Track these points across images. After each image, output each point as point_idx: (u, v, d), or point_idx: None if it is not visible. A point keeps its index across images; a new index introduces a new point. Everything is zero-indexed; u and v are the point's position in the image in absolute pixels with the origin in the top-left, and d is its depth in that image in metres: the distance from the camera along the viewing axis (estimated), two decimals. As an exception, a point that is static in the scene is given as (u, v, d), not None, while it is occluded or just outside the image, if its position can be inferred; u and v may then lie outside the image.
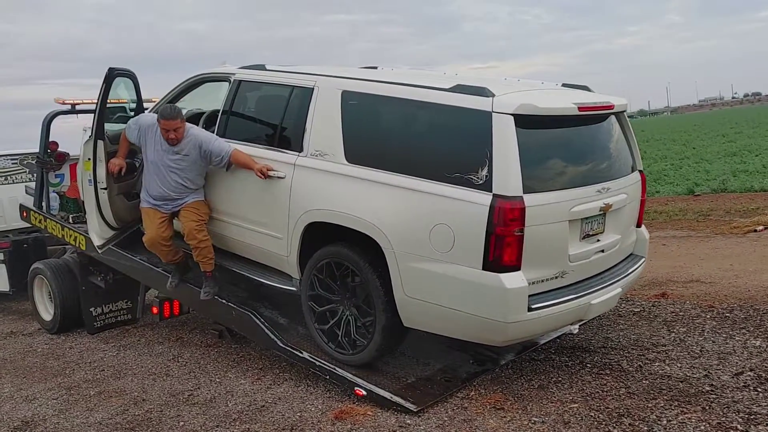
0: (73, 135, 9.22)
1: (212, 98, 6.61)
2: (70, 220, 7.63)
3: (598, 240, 4.59)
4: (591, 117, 4.59)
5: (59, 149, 8.04)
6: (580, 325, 5.47)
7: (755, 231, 10.25)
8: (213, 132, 5.77)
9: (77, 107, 7.99)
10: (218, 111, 6.12)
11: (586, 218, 4.42)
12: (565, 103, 4.32)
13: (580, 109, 4.31)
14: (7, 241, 9.06)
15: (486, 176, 3.99)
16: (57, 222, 7.46)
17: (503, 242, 3.97)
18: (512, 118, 3.99)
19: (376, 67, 5.96)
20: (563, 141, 4.46)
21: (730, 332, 5.40)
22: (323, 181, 4.76)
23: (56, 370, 6.42)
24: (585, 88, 5.03)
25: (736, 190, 14.80)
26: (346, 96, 4.80)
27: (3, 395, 5.86)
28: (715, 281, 7.30)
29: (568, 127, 4.46)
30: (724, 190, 14.88)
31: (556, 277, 4.30)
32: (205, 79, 6.10)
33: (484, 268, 4.01)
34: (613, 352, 5.09)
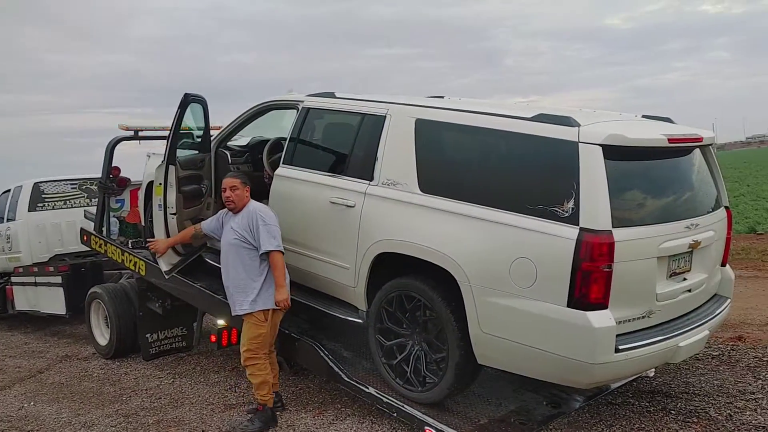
0: (135, 161, 9.35)
1: (275, 126, 6.60)
2: (129, 245, 7.65)
3: (685, 279, 4.34)
4: (679, 150, 4.38)
5: (121, 174, 8.10)
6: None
7: (828, 273, 9.78)
8: (279, 159, 5.71)
9: (140, 133, 8.06)
10: (282, 138, 6.13)
11: (674, 255, 4.19)
12: (654, 134, 4.13)
13: (669, 140, 4.11)
14: (66, 264, 9.14)
15: (572, 209, 3.81)
16: (117, 247, 7.47)
17: (590, 278, 3.76)
18: (600, 148, 3.81)
19: (442, 97, 5.85)
20: (651, 174, 4.25)
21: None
22: (395, 211, 4.63)
23: (113, 396, 6.36)
24: (667, 120, 4.83)
25: (802, 229, 14.23)
26: (421, 124, 4.69)
27: (61, 420, 5.81)
28: (794, 325, 6.92)
29: (655, 160, 4.26)
30: (789, 230, 14.30)
31: (643, 317, 4.07)
32: (272, 106, 6.07)
33: (569, 306, 3.80)
34: (696, 399, 4.80)
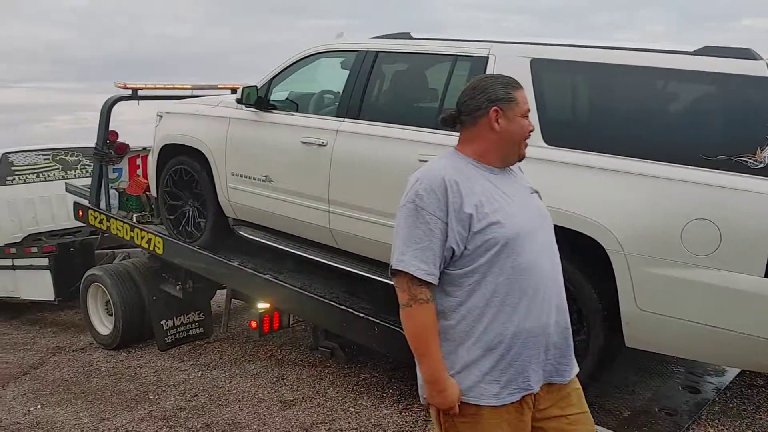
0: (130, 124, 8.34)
1: (312, 79, 5.73)
2: (134, 220, 6.70)
3: None
4: None
5: (119, 140, 7.08)
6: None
7: None
8: (333, 113, 4.89)
9: (139, 92, 7.05)
10: (326, 92, 5.33)
11: None
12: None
13: None
14: (52, 244, 8.06)
15: (768, 158, 3.13)
16: (125, 222, 6.49)
17: (796, 241, 3.11)
18: (800, 85, 3.14)
19: None
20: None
21: None
22: (514, 169, 3.87)
23: (136, 394, 5.46)
24: None
25: None
26: (539, 66, 3.93)
27: (84, 427, 4.91)
28: None
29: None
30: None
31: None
32: (321, 52, 5.17)
33: None
34: None
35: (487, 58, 4.12)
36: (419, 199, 2.14)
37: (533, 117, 3.80)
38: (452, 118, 2.34)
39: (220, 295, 6.88)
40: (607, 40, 4.02)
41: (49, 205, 8.92)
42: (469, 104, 2.27)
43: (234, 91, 6.97)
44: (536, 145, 3.80)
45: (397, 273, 2.17)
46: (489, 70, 4.08)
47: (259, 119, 5.27)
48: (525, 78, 3.92)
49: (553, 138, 3.78)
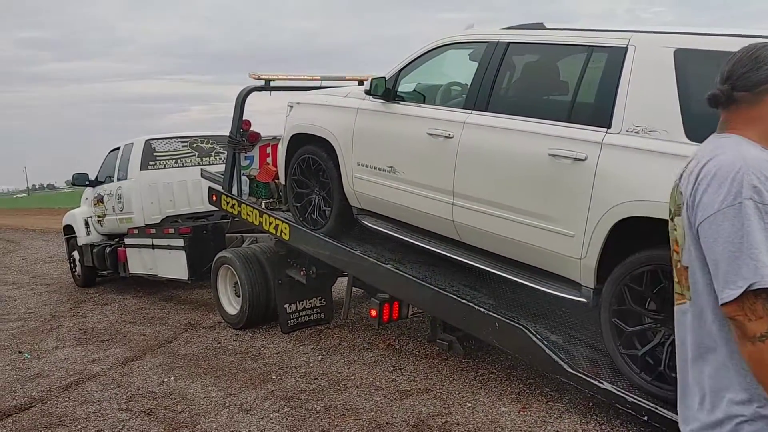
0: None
1: (440, 70, 5.71)
2: (263, 206, 6.95)
3: None
4: None
5: (252, 129, 7.37)
6: None
7: None
8: (461, 105, 4.85)
9: (271, 83, 7.30)
10: (456, 83, 5.31)
11: None
12: None
13: None
14: (188, 226, 8.53)
15: None
16: (254, 208, 6.76)
17: None
18: None
19: None
20: None
21: None
22: (653, 166, 3.68)
23: (260, 373, 5.68)
24: None
25: None
26: (685, 56, 3.70)
27: (212, 400, 5.15)
28: None
29: None
30: None
31: None
32: (450, 44, 5.14)
33: None
34: None
35: (626, 48, 3.93)
36: (757, 194, 1.61)
37: (676, 111, 3.64)
38: (725, 95, 1.82)
39: (341, 282, 7.04)
40: (756, 29, 3.74)
41: (185, 190, 9.42)
42: (750, 77, 1.77)
43: (361, 82, 7.08)
44: (678, 141, 3.62)
45: (744, 294, 1.57)
46: (628, 62, 3.90)
47: (386, 110, 5.31)
48: (668, 70, 3.73)
49: (696, 134, 3.54)
